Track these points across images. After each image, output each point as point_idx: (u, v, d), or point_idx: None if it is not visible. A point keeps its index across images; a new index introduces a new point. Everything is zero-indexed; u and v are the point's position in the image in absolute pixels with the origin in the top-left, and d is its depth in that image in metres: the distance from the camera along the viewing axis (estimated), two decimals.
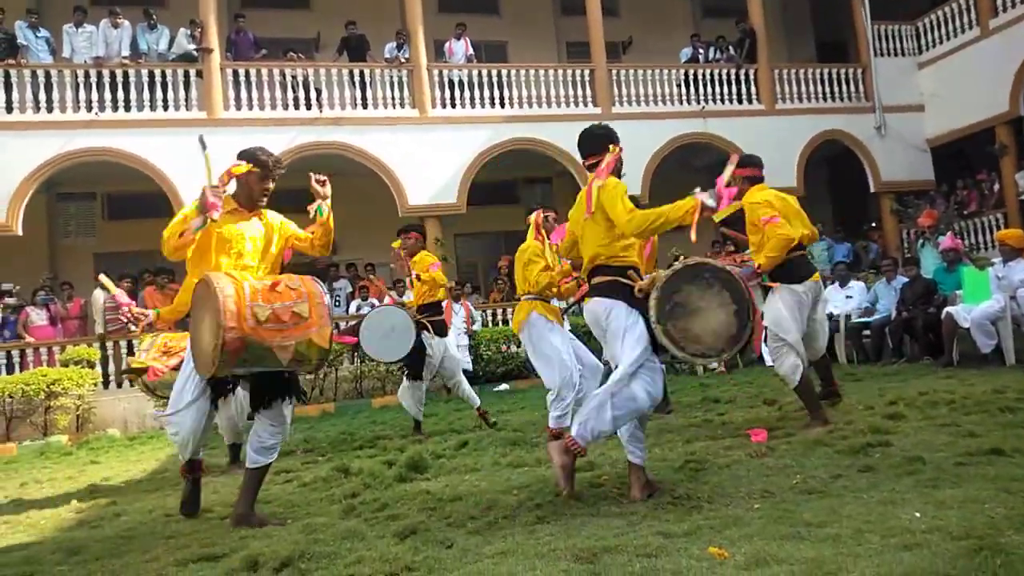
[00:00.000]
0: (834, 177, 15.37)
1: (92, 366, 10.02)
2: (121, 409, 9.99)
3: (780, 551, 2.43)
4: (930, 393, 5.55)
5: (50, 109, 10.93)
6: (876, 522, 2.66)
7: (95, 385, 9.87)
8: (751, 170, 5.04)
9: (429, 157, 12.09)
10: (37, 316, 10.91)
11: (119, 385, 10.32)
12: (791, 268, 4.88)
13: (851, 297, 9.56)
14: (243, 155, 3.87)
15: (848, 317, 9.28)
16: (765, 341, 5.12)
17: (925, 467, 3.40)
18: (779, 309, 4.86)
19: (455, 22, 13.48)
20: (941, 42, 14.06)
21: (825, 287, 8.05)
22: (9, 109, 10.77)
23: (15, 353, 10.26)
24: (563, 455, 3.38)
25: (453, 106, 12.65)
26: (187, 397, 3.60)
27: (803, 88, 14.08)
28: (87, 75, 11.11)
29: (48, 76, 11.01)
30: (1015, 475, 3.11)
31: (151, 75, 11.36)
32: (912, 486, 3.12)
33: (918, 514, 2.71)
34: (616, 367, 3.46)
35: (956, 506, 2.76)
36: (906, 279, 8.87)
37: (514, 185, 15.25)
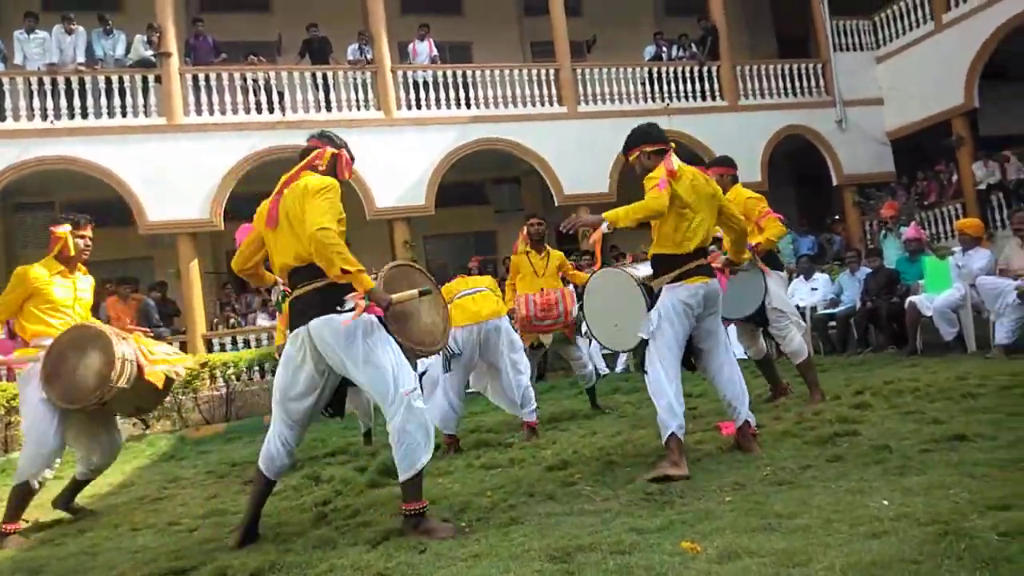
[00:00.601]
0: (797, 171, 15.59)
1: None
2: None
3: (751, 543, 2.45)
4: (895, 382, 5.65)
5: (3, 118, 10.65)
6: (845, 511, 2.70)
7: None
8: (730, 169, 5.37)
9: (396, 159, 12.01)
10: None
11: None
12: (775, 258, 5.35)
13: (816, 289, 9.70)
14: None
15: (814, 309, 9.41)
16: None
17: (892, 455, 3.45)
18: (778, 291, 5.21)
19: (418, 23, 13.41)
20: (897, 36, 14.34)
21: (790, 280, 8.26)
22: None
23: None
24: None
25: (419, 107, 12.58)
26: None
27: (765, 84, 14.26)
28: (41, 82, 10.83)
29: (0, 84, 10.73)
30: (978, 460, 3.18)
31: (108, 81, 11.11)
32: (879, 474, 3.17)
33: (886, 502, 2.75)
34: None
35: (922, 493, 2.81)
36: (869, 270, 9.02)
37: (482, 185, 15.24)
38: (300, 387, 3.23)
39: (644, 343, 3.84)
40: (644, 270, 4.01)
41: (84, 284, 4.49)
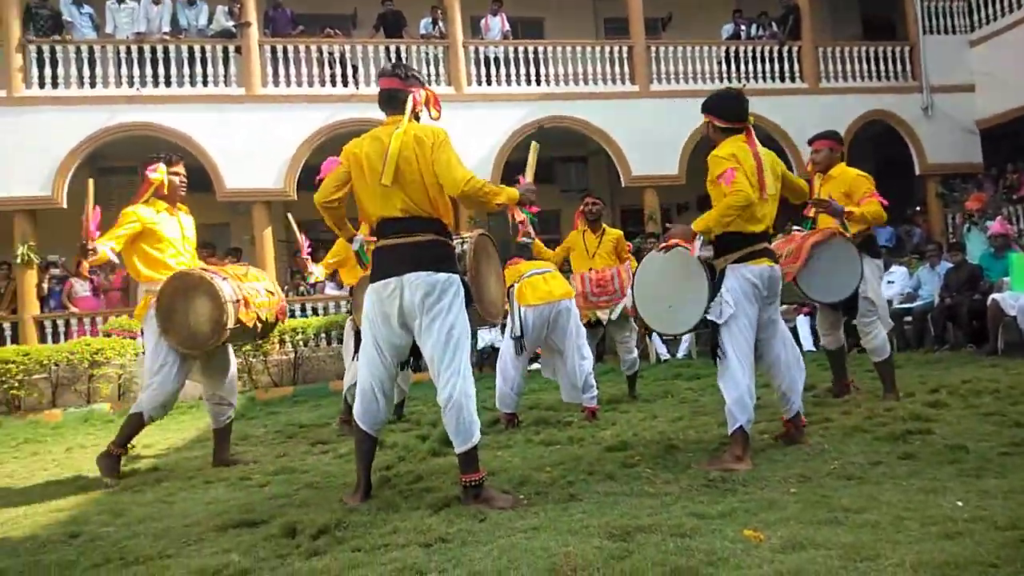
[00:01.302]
0: (878, 158, 14.95)
1: (134, 337, 10.27)
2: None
3: (817, 535, 2.40)
4: (973, 381, 5.43)
5: (93, 84, 11.11)
6: (916, 509, 2.62)
7: (136, 355, 10.12)
8: (837, 144, 5.21)
9: (464, 134, 11.97)
10: (81, 287, 11.21)
11: None
12: (874, 244, 5.16)
13: (892, 282, 9.35)
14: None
15: (890, 303, 9.07)
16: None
17: (968, 456, 3.33)
18: (873, 280, 5.00)
19: None
20: (995, 19, 13.54)
21: (886, 267, 7.92)
22: (55, 84, 10.97)
23: (60, 323, 10.57)
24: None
25: (489, 83, 12.57)
26: None
27: (848, 66, 13.70)
28: (129, 51, 11.25)
29: (91, 52, 11.18)
30: None
31: (191, 51, 11.47)
32: (954, 475, 3.06)
33: (960, 503, 2.66)
34: None
35: (1000, 496, 2.70)
36: (951, 265, 8.65)
37: (550, 164, 15.14)
38: (393, 334, 3.24)
39: (706, 325, 3.71)
40: (705, 251, 3.84)
41: (188, 222, 4.60)
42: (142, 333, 4.48)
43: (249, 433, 6.11)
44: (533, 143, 3.74)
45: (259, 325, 4.47)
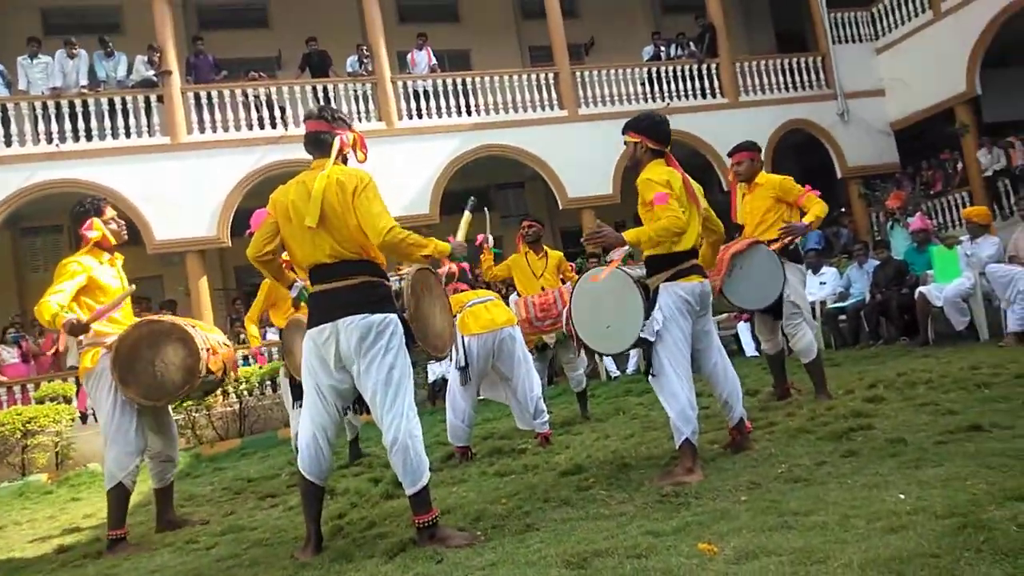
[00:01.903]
0: (801, 165, 15.51)
1: (69, 401, 9.85)
2: (101, 443, 9.79)
3: (769, 542, 2.43)
4: (908, 373, 5.62)
5: (8, 143, 10.75)
6: (861, 507, 2.68)
7: (72, 420, 9.69)
8: (756, 154, 5.35)
9: (398, 168, 12.04)
10: (8, 354, 10.72)
11: (97, 419, 10.14)
12: (795, 250, 5.27)
13: (825, 283, 9.66)
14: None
15: (823, 303, 9.37)
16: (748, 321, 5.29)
17: (907, 448, 3.43)
18: (796, 284, 5.10)
19: (416, 32, 13.47)
20: (896, 26, 14.31)
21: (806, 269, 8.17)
22: None
23: None
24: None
25: (420, 116, 12.63)
26: None
27: (765, 79, 14.26)
28: (45, 106, 10.94)
29: (4, 109, 10.83)
30: (994, 450, 3.15)
31: (111, 103, 11.22)
32: (895, 468, 3.15)
33: (902, 496, 2.73)
34: None
35: (939, 485, 2.79)
36: (877, 262, 8.98)
37: (487, 191, 15.25)
38: (333, 379, 3.18)
39: (642, 344, 3.75)
40: (637, 271, 3.92)
41: (122, 272, 4.40)
42: (76, 392, 4.25)
43: (195, 492, 5.89)
44: (468, 210, 3.76)
45: (218, 377, 4.33)
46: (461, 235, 3.56)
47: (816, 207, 4.98)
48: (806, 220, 4.95)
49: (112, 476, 4.07)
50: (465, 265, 3.43)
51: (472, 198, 3.89)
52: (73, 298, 4.01)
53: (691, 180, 3.90)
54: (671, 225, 3.59)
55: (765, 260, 4.71)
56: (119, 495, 4.07)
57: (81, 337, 4.03)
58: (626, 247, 3.67)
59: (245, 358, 11.13)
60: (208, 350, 4.15)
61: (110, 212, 4.36)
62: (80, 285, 4.04)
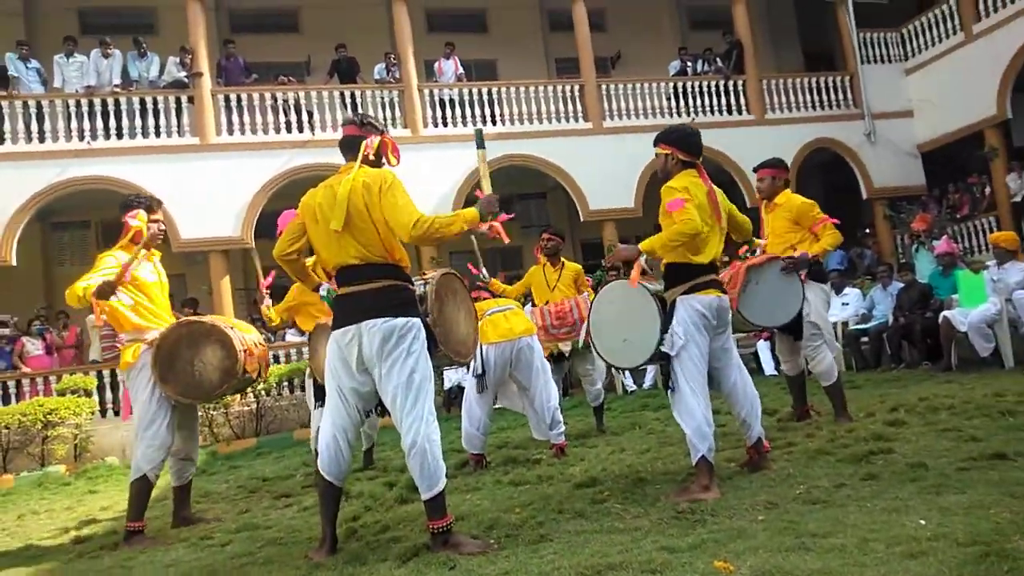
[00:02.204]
0: (827, 185, 15.43)
1: (89, 394, 9.97)
2: (119, 437, 9.93)
3: (785, 563, 2.41)
4: (930, 398, 5.54)
5: (42, 139, 10.95)
6: (881, 531, 2.65)
7: (92, 414, 9.82)
8: (782, 172, 5.28)
9: (423, 176, 12.09)
10: (33, 346, 10.87)
11: (116, 413, 10.27)
12: (820, 269, 5.20)
13: (847, 304, 9.58)
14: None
15: (845, 324, 9.28)
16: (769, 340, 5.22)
17: (928, 473, 3.38)
18: (818, 304, 5.05)
19: (444, 41, 13.58)
20: (926, 48, 14.20)
21: (831, 289, 8.09)
22: (1, 140, 10.78)
23: (11, 384, 10.21)
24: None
25: (445, 125, 12.71)
26: None
27: (792, 97, 14.19)
28: (79, 104, 11.14)
29: (40, 106, 11.04)
30: (1019, 479, 3.10)
31: (143, 102, 11.40)
32: (916, 493, 3.11)
33: (923, 521, 2.69)
34: None
35: (961, 512, 2.75)
36: (902, 284, 8.88)
37: (509, 201, 15.29)
38: (355, 381, 3.20)
39: (660, 358, 3.72)
40: (655, 285, 3.90)
41: (160, 267, 4.46)
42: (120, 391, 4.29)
43: (211, 490, 5.94)
44: (479, 151, 3.49)
45: (253, 376, 4.40)
46: (486, 185, 3.39)
47: (828, 238, 4.91)
48: (812, 250, 4.86)
49: (138, 468, 4.12)
50: (504, 216, 3.30)
51: (478, 128, 3.78)
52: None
53: (717, 192, 3.87)
54: (684, 228, 3.58)
55: (782, 277, 4.62)
56: (142, 488, 4.12)
57: (123, 336, 4.12)
58: (643, 257, 3.67)
59: (276, 357, 11.24)
60: (245, 351, 4.22)
61: (159, 215, 4.46)
62: (115, 276, 4.07)
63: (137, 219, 4.31)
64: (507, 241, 3.36)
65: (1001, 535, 2.42)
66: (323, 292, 3.59)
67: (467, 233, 3.26)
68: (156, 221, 4.42)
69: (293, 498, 5.02)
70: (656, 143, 3.91)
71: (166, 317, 4.33)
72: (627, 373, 10.01)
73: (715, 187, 3.86)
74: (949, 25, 13.65)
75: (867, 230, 13.93)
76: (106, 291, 3.85)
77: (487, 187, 3.36)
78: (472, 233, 3.36)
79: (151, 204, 4.42)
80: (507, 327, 5.06)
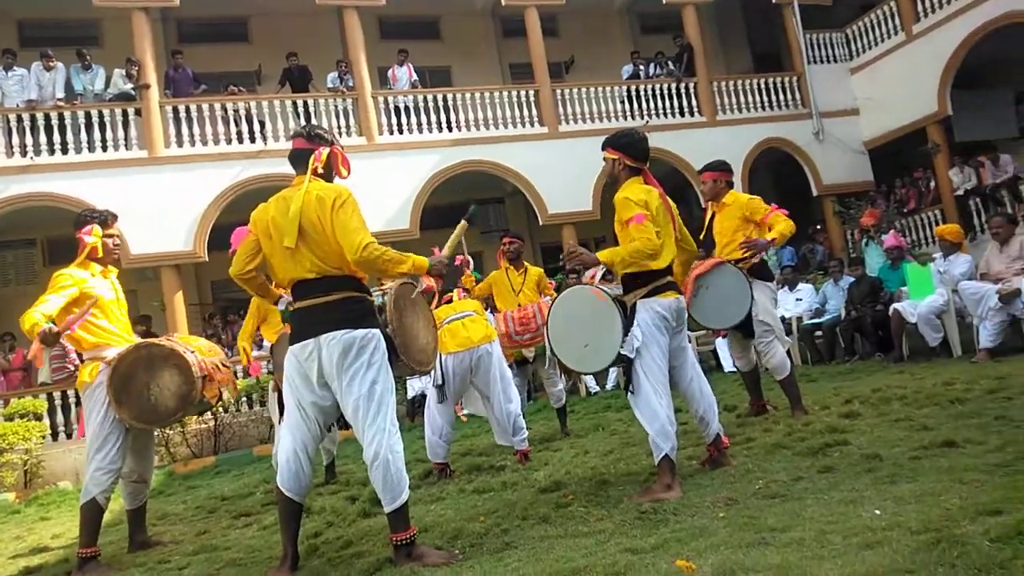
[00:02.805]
0: (778, 183, 15.77)
1: (39, 418, 9.65)
2: (72, 460, 9.62)
3: (746, 559, 2.44)
4: (883, 389, 5.68)
5: None
6: (838, 522, 2.69)
7: (43, 437, 9.50)
8: (724, 174, 5.37)
9: (379, 184, 12.03)
10: None
11: (69, 436, 9.96)
12: (765, 268, 5.30)
13: (800, 300, 9.76)
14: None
15: (799, 319, 9.46)
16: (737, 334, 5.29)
17: (883, 463, 3.46)
18: (765, 302, 5.14)
19: (397, 48, 13.51)
20: (870, 47, 14.61)
21: (778, 287, 8.29)
22: None
23: None
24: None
25: (400, 132, 12.64)
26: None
27: (742, 99, 14.46)
28: (20, 119, 10.80)
29: None
30: (967, 465, 3.19)
31: (88, 116, 11.10)
32: (871, 483, 3.17)
33: (878, 511, 2.75)
34: None
35: (914, 501, 2.81)
36: (852, 279, 9.09)
37: (467, 207, 15.25)
38: (315, 395, 3.16)
39: (622, 360, 3.75)
40: (614, 289, 3.95)
41: (118, 285, 4.35)
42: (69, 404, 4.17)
43: (168, 511, 5.79)
44: (466, 218, 3.71)
45: (211, 401, 4.30)
46: (447, 249, 3.50)
47: (781, 224, 5.02)
48: (769, 236, 4.98)
49: (87, 492, 4.00)
50: (437, 282, 3.39)
51: (474, 205, 3.89)
52: (63, 310, 3.96)
53: (667, 198, 3.93)
54: (644, 247, 3.63)
55: (731, 280, 4.79)
56: (92, 512, 3.99)
57: (82, 354, 4.00)
58: (601, 266, 3.70)
59: (235, 372, 11.01)
60: (205, 376, 4.11)
61: (115, 229, 4.36)
62: (72, 297, 3.99)
63: (92, 235, 4.20)
64: (435, 291, 3.50)
65: (951, 521, 2.49)
66: (281, 307, 3.53)
67: (408, 278, 3.30)
68: (111, 236, 4.32)
69: (253, 517, 4.91)
70: (604, 147, 3.96)
71: (125, 336, 4.22)
72: (591, 375, 10.07)
73: (664, 194, 3.92)
74: (891, 25, 14.07)
75: (818, 226, 14.25)
76: (49, 340, 3.71)
77: (447, 251, 3.48)
78: (414, 278, 3.39)
79: (105, 219, 4.31)
80: (465, 336, 5.03)
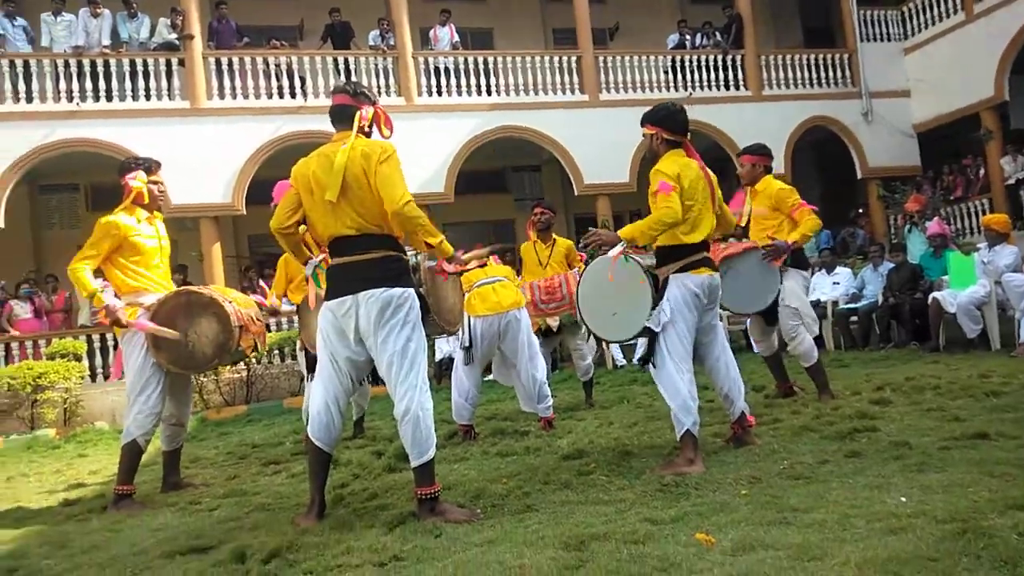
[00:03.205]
0: (821, 162, 15.42)
1: (79, 359, 9.96)
2: (109, 401, 9.93)
3: (767, 537, 2.44)
4: (916, 378, 5.59)
5: (30, 99, 10.78)
6: (862, 507, 2.68)
7: (82, 378, 9.82)
8: (763, 158, 5.23)
9: (415, 146, 11.99)
10: (21, 309, 10.83)
11: (106, 378, 10.26)
12: (801, 255, 5.23)
13: (838, 283, 9.61)
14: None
15: (835, 303, 9.32)
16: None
17: (911, 452, 3.42)
18: (796, 288, 5.08)
19: (440, 8, 13.38)
20: (926, 27, 14.09)
21: (812, 273, 8.17)
22: None
23: (0, 347, 10.18)
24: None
25: (439, 94, 12.57)
26: None
27: (790, 74, 14.09)
28: (67, 65, 10.95)
29: (27, 66, 10.85)
30: (999, 459, 3.14)
31: (132, 64, 11.22)
32: (898, 471, 3.15)
33: (904, 499, 2.73)
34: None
35: (941, 490, 2.78)
36: (892, 265, 8.91)
37: (502, 173, 15.22)
38: (350, 351, 3.21)
39: (647, 334, 3.74)
40: (647, 259, 3.90)
41: (163, 229, 4.44)
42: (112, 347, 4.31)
43: (200, 455, 5.96)
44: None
45: (246, 353, 4.39)
46: (471, 255, 3.64)
47: (806, 224, 4.91)
48: (791, 238, 4.88)
49: (128, 433, 4.13)
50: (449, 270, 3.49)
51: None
52: (106, 258, 4.09)
53: (709, 171, 3.87)
54: (664, 216, 3.58)
55: (759, 265, 4.73)
56: (132, 452, 4.13)
57: (121, 299, 4.11)
58: (622, 243, 3.66)
59: (268, 326, 11.20)
60: (241, 327, 4.20)
61: (158, 176, 4.43)
62: (115, 244, 4.10)
63: (137, 180, 4.27)
64: (444, 279, 3.60)
65: (979, 513, 2.46)
66: (309, 270, 3.57)
67: (429, 251, 3.36)
68: (156, 183, 4.38)
69: (282, 465, 5.04)
70: (642, 123, 3.91)
71: (164, 283, 4.31)
72: (617, 348, 10.07)
73: (707, 168, 3.85)
74: (950, 4, 13.54)
75: (860, 210, 13.93)
76: (117, 323, 3.92)
77: (469, 256, 3.63)
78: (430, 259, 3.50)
79: (150, 165, 4.38)
80: (495, 300, 5.06)
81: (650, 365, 3.75)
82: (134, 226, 4.19)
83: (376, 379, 3.50)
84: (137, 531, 3.54)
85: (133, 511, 3.96)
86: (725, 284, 4.53)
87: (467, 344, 5.05)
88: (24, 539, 3.64)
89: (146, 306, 4.13)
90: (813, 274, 9.19)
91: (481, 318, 5.01)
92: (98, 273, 4.22)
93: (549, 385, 5.34)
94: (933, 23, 13.93)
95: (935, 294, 7.70)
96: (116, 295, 4.20)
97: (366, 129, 3.29)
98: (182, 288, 4.29)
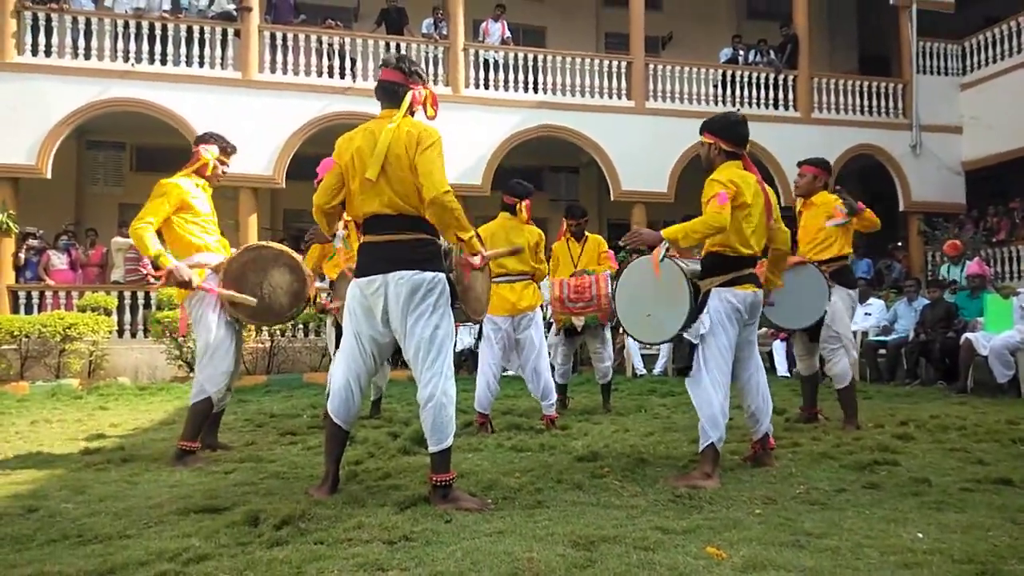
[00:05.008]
0: (864, 192, 15.16)
1: (109, 313, 10.16)
2: (133, 358, 10.13)
3: (778, 557, 2.42)
4: (941, 417, 5.50)
5: (88, 56, 11.00)
6: (877, 538, 2.65)
7: (110, 333, 10.02)
8: (823, 172, 5.23)
9: (458, 136, 12.02)
10: (58, 260, 11.07)
11: (133, 335, 10.46)
12: (849, 274, 5.19)
13: (869, 314, 9.48)
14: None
15: (865, 334, 9.19)
16: (786, 340, 5.20)
17: (931, 489, 3.37)
18: (841, 310, 5.02)
19: (495, 3, 13.41)
20: (986, 64, 13.81)
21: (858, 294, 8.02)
22: (48, 53, 10.85)
23: (35, 295, 10.42)
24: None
25: (487, 87, 12.60)
26: None
27: (841, 99, 13.90)
28: (127, 25, 11.17)
29: (88, 23, 11.08)
30: (1022, 506, 3.08)
31: (189, 31, 11.41)
32: (916, 507, 3.10)
33: (920, 535, 2.69)
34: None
35: (960, 531, 2.74)
36: (927, 301, 8.77)
37: (540, 172, 15.20)
38: (375, 331, 3.23)
39: (680, 341, 3.69)
40: (692, 266, 3.82)
41: (210, 199, 4.54)
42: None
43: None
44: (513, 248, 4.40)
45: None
46: (494, 254, 3.77)
47: (870, 214, 4.97)
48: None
49: (202, 390, 4.20)
50: (470, 264, 3.50)
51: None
52: (166, 219, 4.18)
53: (767, 187, 3.82)
54: (711, 220, 3.49)
55: (810, 282, 4.64)
56: (203, 409, 4.21)
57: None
58: (665, 243, 3.60)
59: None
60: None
61: (228, 160, 4.55)
62: (176, 205, 4.19)
63: (209, 152, 4.39)
64: (467, 278, 3.54)
65: (998, 557, 2.41)
66: (338, 242, 3.60)
67: (457, 244, 3.31)
68: (224, 163, 4.50)
69: (298, 436, 5.10)
70: (701, 131, 3.85)
71: (221, 247, 4.40)
72: (638, 357, 10.03)
73: (766, 185, 3.81)
74: (1013, 43, 13.24)
75: (899, 243, 13.71)
76: (182, 285, 4.00)
77: (492, 253, 3.81)
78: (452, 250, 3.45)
79: (227, 147, 4.51)
80: (512, 302, 5.13)
81: (681, 373, 3.72)
82: (192, 190, 4.29)
83: (398, 362, 3.53)
84: (153, 485, 3.61)
85: (198, 466, 4.01)
86: (774, 298, 4.44)
87: (477, 336, 5.14)
88: (45, 482, 3.73)
89: (212, 267, 4.21)
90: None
91: (497, 317, 5.13)
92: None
93: (567, 387, 5.35)
94: (994, 61, 13.64)
95: (968, 335, 7.56)
96: (184, 255, 4.25)
97: (414, 109, 3.30)
98: (249, 244, 4.39)
